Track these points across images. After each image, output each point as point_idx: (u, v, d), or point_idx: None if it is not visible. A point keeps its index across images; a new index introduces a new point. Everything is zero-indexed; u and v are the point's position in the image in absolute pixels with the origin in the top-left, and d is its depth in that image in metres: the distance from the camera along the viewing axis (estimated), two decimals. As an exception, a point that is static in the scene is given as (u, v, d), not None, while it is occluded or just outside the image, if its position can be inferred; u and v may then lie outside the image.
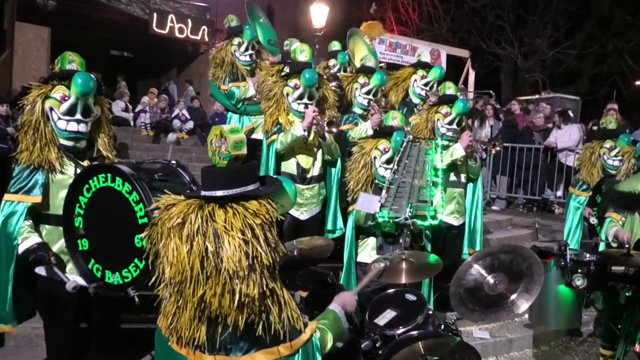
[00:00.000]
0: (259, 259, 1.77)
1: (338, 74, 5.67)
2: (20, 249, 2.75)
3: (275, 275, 1.86)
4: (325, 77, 4.90)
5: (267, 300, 1.82)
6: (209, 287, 1.76)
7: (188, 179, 2.61)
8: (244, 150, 1.94)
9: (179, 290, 1.83)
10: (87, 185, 2.57)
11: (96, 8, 14.49)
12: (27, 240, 2.75)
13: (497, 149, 4.84)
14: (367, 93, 5.16)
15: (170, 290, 1.86)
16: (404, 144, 3.65)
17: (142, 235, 2.01)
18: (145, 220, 2.34)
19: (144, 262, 2.37)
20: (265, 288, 1.79)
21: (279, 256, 1.85)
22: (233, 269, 1.74)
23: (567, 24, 16.93)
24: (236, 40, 5.81)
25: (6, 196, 2.82)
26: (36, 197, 2.79)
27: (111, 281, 2.53)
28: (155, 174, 2.52)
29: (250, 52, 5.78)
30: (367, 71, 5.27)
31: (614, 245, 3.97)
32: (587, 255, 3.66)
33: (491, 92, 10.02)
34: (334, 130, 4.28)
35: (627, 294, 3.50)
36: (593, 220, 4.97)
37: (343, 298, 2.30)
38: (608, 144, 5.10)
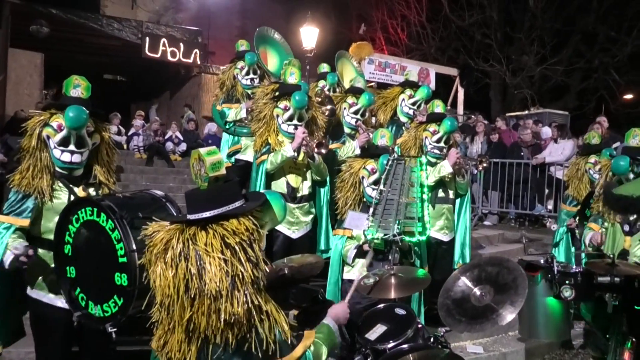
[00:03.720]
0: (241, 277, 1.79)
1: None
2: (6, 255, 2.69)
3: (261, 291, 1.88)
4: (320, 98, 5.00)
5: (254, 316, 1.83)
6: (196, 309, 1.79)
7: (175, 213, 2.64)
8: (223, 171, 1.96)
9: (168, 313, 1.87)
10: (76, 216, 2.62)
11: (89, 33, 14.64)
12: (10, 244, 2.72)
13: (484, 165, 4.92)
14: (355, 113, 5.28)
15: (162, 314, 1.90)
16: (390, 162, 3.73)
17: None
18: (124, 260, 2.39)
19: (122, 300, 2.43)
20: (250, 305, 1.81)
21: (262, 271, 1.87)
22: (215, 289, 1.77)
23: (553, 40, 17.18)
24: (240, 64, 5.91)
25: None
26: (24, 221, 2.83)
27: (94, 312, 2.57)
28: (140, 211, 2.54)
29: (251, 76, 5.86)
30: (355, 92, 5.39)
31: (590, 249, 4.03)
32: (574, 266, 3.73)
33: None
34: (323, 151, 4.37)
35: (613, 304, 3.56)
36: (577, 233, 5.03)
37: (336, 311, 2.34)
38: (592, 159, 5.19)
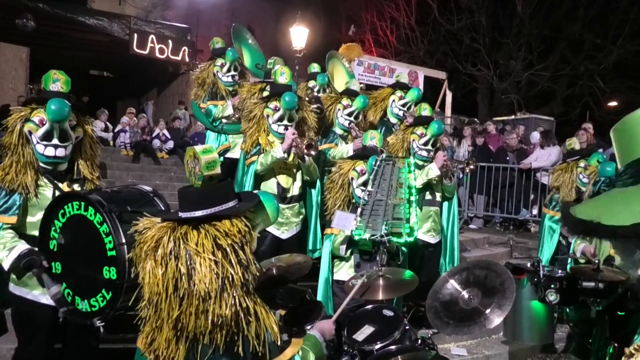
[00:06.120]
0: (230, 279, 1.76)
1: (318, 95, 5.80)
2: (10, 258, 2.69)
3: (250, 293, 1.85)
4: (307, 98, 4.99)
5: (242, 319, 1.80)
6: (184, 309, 1.77)
7: (163, 208, 2.62)
8: (218, 170, 1.93)
9: (156, 311, 1.84)
10: (62, 210, 2.58)
11: (76, 29, 14.48)
12: (15, 247, 2.71)
13: (471, 167, 4.96)
14: (349, 115, 5.29)
15: (149, 311, 1.87)
16: (378, 162, 3.74)
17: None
18: (113, 253, 2.36)
19: (110, 294, 2.40)
20: (238, 307, 1.78)
21: (253, 275, 1.84)
22: (204, 290, 1.74)
23: (540, 46, 17.41)
24: (219, 61, 5.89)
25: None
26: (12, 218, 2.80)
27: (80, 307, 2.54)
28: (129, 205, 2.51)
29: (232, 73, 5.85)
30: (350, 94, 5.41)
31: (582, 261, 4.08)
32: (560, 271, 3.76)
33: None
34: (313, 153, 4.36)
35: (597, 309, 3.60)
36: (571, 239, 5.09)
37: (322, 326, 2.33)
38: (582, 163, 5.26)
